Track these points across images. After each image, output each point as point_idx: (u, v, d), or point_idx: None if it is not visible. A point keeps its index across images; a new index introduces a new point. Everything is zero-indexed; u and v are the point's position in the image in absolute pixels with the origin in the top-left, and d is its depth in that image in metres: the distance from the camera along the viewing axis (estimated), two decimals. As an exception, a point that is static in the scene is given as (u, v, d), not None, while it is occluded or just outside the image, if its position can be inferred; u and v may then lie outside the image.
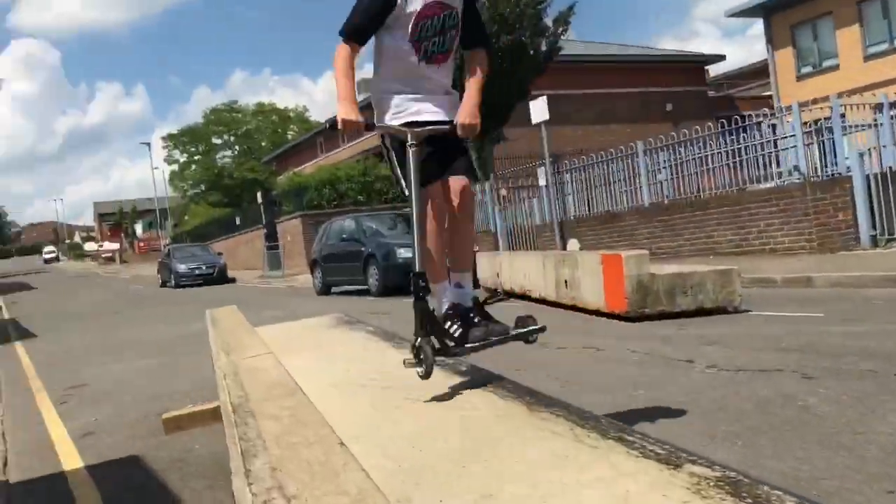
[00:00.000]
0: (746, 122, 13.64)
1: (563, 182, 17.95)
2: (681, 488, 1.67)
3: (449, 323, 3.01)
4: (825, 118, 13.09)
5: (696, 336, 6.41)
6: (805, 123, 12.88)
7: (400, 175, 2.92)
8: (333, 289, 17.28)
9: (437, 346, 2.92)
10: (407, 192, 2.83)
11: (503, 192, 20.19)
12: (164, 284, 29.06)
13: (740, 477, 1.65)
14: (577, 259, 8.53)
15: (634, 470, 1.97)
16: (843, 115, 12.97)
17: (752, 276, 10.45)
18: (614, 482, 1.87)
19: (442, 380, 3.78)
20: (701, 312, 7.59)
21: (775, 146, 13.05)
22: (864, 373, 4.52)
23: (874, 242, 11.62)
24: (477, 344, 2.98)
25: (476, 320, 3.01)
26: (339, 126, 2.78)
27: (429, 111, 2.93)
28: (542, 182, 17.19)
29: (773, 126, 13.53)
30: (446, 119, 2.92)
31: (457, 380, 3.70)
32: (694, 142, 14.41)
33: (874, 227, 11.67)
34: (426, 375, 2.88)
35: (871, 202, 11.62)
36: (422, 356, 2.84)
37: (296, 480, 1.59)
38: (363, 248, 15.32)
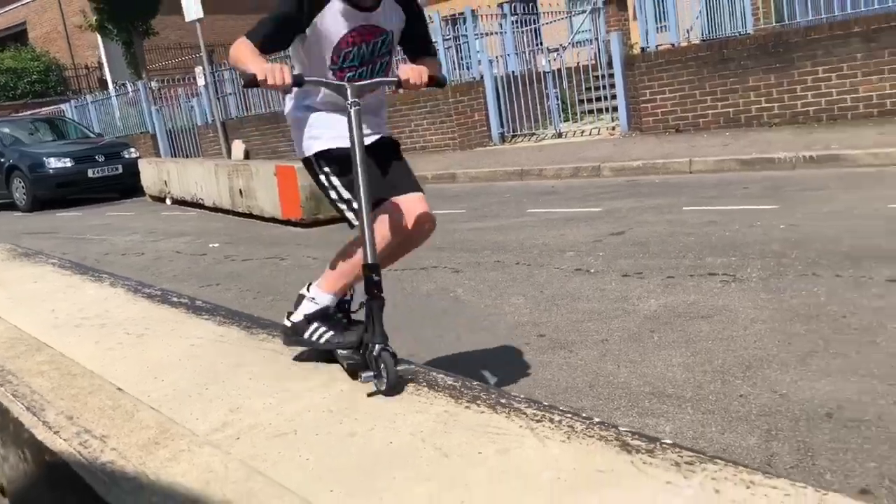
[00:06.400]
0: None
1: (224, 80, 17.70)
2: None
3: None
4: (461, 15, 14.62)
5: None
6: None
7: (344, 197, 2.59)
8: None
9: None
10: (356, 206, 2.45)
11: (158, 87, 19.23)
12: None
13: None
14: (252, 170, 8.93)
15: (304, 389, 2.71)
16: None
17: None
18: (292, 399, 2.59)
19: (159, 313, 4.14)
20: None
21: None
22: (495, 264, 5.76)
23: (502, 139, 13.62)
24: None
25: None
26: (261, 77, 2.30)
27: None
28: (200, 82, 16.78)
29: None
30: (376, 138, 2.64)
31: (173, 312, 4.09)
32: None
33: (502, 125, 13.65)
34: (390, 391, 2.42)
35: (499, 104, 13.54)
36: (382, 366, 2.41)
37: (99, 424, 2.02)
38: (2, 160, 13.98)
